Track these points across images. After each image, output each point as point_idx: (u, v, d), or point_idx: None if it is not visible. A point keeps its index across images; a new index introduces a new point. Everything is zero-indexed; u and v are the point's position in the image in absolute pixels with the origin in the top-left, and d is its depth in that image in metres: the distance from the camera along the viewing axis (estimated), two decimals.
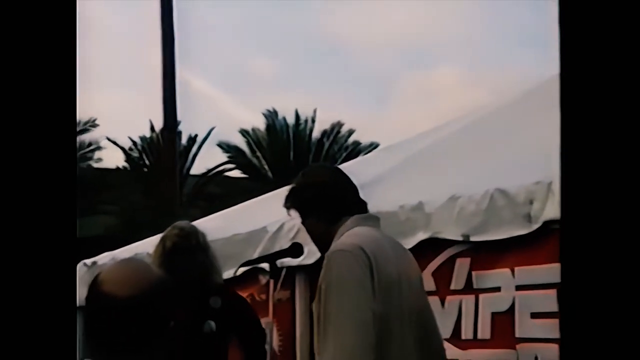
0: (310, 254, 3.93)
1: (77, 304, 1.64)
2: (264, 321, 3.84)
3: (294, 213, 2.95)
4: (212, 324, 3.69)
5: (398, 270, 2.69)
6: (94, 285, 1.92)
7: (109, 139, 24.34)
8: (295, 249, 3.35)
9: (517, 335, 3.45)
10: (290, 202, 2.96)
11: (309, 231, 2.92)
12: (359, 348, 2.48)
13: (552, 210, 3.27)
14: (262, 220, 4.96)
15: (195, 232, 3.86)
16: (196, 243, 3.80)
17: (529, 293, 3.43)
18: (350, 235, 2.73)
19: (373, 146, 24.15)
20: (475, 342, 3.61)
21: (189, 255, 3.77)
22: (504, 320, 3.51)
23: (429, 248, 3.35)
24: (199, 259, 3.78)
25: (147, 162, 24.69)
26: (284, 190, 6.12)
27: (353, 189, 2.92)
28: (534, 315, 3.40)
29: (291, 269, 4.37)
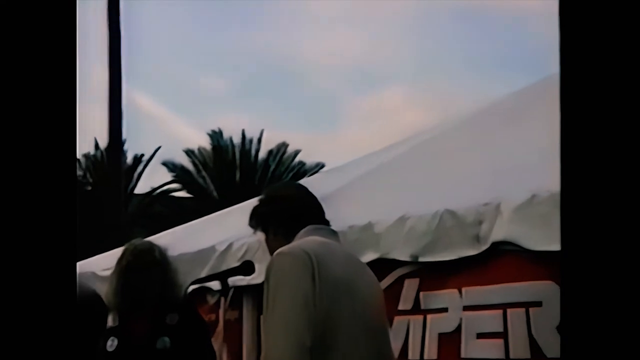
0: (259, 273, 3.92)
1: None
2: (217, 343, 3.80)
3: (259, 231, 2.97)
4: (167, 340, 3.65)
5: (349, 277, 2.69)
6: None
7: None
8: (247, 267, 3.34)
9: (462, 355, 3.47)
10: (251, 219, 2.97)
11: (268, 246, 2.91)
12: (289, 348, 2.48)
13: (500, 231, 3.31)
14: (210, 239, 4.93)
15: (151, 249, 3.83)
16: (151, 260, 3.77)
17: (475, 313, 3.46)
18: (297, 241, 2.75)
19: (319, 167, 24.28)
20: None
21: (144, 273, 3.74)
22: (450, 341, 3.52)
23: (378, 268, 3.35)
24: (154, 276, 3.75)
25: (91, 180, 24.38)
26: (232, 210, 6.10)
27: (315, 206, 2.93)
28: (480, 336, 3.43)
29: (239, 289, 4.35)
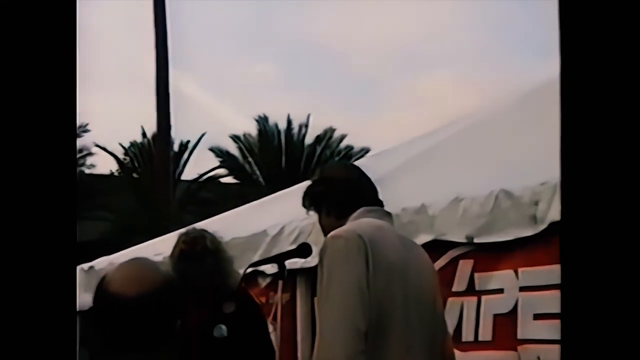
0: (312, 256, 3.92)
1: (77, 309, 1.63)
2: (273, 325, 3.79)
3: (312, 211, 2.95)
4: (224, 328, 3.68)
5: (403, 261, 2.66)
6: (101, 286, 1.90)
7: (98, 146, 24.27)
8: (304, 249, 3.33)
9: (519, 336, 3.43)
10: (305, 199, 2.96)
11: (321, 226, 2.90)
12: (344, 333, 2.47)
13: (558, 211, 3.25)
14: (261, 223, 4.94)
15: (202, 237, 3.85)
16: (202, 248, 3.79)
17: (532, 294, 3.41)
18: (351, 223, 2.73)
19: (365, 151, 24.19)
20: (476, 344, 3.60)
21: (196, 261, 3.76)
22: (506, 322, 3.49)
23: (432, 250, 3.32)
24: (207, 264, 3.77)
25: (138, 167, 24.63)
26: (282, 194, 6.12)
27: (368, 186, 2.90)
28: (537, 317, 3.39)
29: (291, 272, 4.36)
